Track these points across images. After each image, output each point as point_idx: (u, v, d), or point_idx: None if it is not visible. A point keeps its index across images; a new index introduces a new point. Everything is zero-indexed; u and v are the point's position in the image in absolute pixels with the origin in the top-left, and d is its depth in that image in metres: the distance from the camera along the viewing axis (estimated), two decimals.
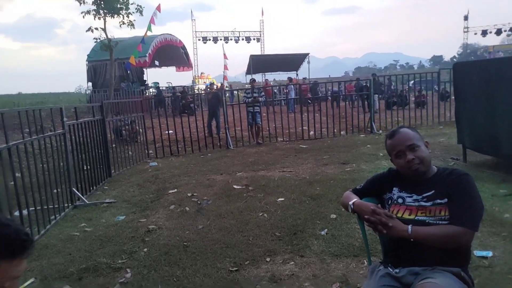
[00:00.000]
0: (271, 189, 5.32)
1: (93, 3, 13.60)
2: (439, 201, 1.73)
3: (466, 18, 40.23)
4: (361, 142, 8.87)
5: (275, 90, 19.81)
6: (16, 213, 4.00)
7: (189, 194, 5.34)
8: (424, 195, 1.77)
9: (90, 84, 22.45)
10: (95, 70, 21.54)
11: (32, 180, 4.34)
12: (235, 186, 5.58)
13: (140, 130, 9.23)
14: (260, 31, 39.81)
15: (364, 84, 14.48)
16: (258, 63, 31.15)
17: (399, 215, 1.78)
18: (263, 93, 10.44)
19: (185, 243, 3.69)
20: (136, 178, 6.81)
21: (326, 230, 3.73)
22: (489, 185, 4.71)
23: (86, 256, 3.56)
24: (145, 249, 3.63)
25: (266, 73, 36.24)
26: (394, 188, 1.89)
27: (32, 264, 3.39)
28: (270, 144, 9.72)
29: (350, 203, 1.91)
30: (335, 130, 10.44)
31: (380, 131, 10.31)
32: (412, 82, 16.23)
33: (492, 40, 40.30)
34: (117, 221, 4.53)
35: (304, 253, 3.32)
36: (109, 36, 15.19)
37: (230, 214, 4.44)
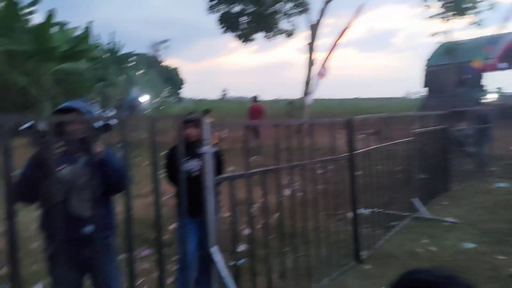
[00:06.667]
0: None
1: (443, 5, 13.07)
2: None
3: None
4: None
5: None
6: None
7: None
8: None
9: (427, 89, 22.17)
10: (434, 75, 21.01)
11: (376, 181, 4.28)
12: None
13: None
14: None
15: None
16: None
17: None
18: None
19: None
20: (482, 198, 5.77)
21: None
22: None
23: None
24: None
25: None
26: None
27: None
28: None
29: None
30: None
31: None
32: None
33: None
34: (464, 248, 3.87)
35: None
36: (451, 39, 14.28)
37: None
